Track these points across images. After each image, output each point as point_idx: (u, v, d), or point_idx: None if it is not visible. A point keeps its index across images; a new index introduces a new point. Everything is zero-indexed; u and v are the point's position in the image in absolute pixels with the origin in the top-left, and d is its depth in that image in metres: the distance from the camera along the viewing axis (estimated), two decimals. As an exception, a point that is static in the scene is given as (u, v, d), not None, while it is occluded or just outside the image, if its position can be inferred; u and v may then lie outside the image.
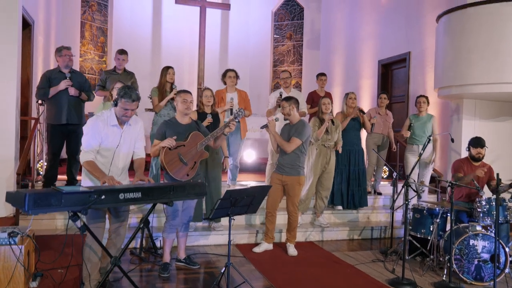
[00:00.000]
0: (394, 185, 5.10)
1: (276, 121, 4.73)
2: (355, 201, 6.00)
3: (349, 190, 5.98)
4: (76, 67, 9.48)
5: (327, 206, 5.82)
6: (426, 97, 6.00)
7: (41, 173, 5.77)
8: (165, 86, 5.60)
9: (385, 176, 7.51)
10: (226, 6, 10.40)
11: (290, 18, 11.30)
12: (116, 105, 3.33)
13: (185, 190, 3.25)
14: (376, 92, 8.61)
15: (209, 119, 4.91)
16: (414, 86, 7.64)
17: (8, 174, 4.77)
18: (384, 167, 7.43)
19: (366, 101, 8.93)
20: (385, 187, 6.84)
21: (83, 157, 3.28)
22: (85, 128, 3.36)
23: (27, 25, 6.06)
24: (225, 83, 5.90)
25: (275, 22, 11.42)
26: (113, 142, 3.37)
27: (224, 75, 5.92)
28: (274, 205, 4.83)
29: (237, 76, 5.90)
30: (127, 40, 10.34)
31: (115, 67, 5.92)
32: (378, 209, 6.30)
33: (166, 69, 5.67)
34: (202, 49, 10.17)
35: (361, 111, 5.95)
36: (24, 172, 5.06)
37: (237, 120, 4.33)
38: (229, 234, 3.62)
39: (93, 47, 9.94)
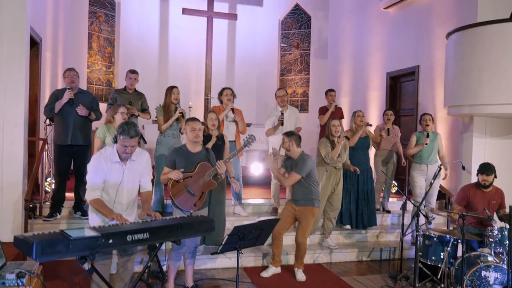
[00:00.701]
0: (404, 208, 5.04)
1: (274, 155, 4.70)
2: (364, 221, 5.95)
3: (358, 210, 5.93)
4: (84, 78, 9.50)
5: (335, 226, 5.78)
6: (431, 115, 5.94)
7: (49, 191, 5.77)
8: (169, 106, 5.59)
9: (394, 191, 7.44)
10: (233, 16, 10.37)
11: (297, 26, 11.24)
12: (116, 142, 3.32)
13: (192, 227, 3.23)
14: (384, 104, 8.54)
15: (214, 138, 4.91)
16: (423, 99, 7.56)
17: (16, 198, 4.78)
18: (393, 181, 7.38)
19: (374, 112, 8.86)
20: (394, 204, 6.78)
21: (89, 195, 3.27)
22: (89, 166, 3.36)
23: (34, 44, 6.05)
24: (221, 102, 5.88)
25: (282, 31, 11.37)
26: (116, 179, 3.37)
27: (220, 93, 5.89)
28: (282, 231, 4.80)
29: (233, 95, 5.88)
30: (134, 50, 10.35)
31: (125, 86, 5.92)
32: (387, 228, 6.24)
33: (171, 89, 5.66)
34: (209, 59, 10.17)
35: (369, 125, 5.89)
36: (32, 190, 5.08)
37: (247, 147, 4.36)
38: (237, 268, 3.59)
39: (101, 57, 9.94)
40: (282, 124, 5.94)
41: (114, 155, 3.37)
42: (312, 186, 4.71)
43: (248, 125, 9.35)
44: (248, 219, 5.86)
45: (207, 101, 10.06)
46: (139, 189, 3.62)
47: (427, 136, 5.82)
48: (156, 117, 5.71)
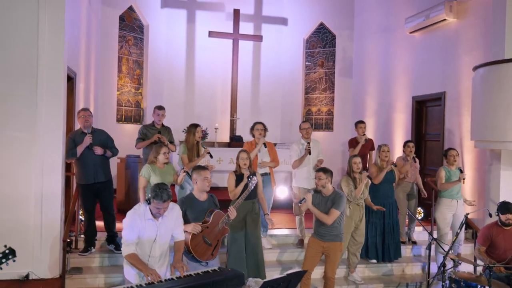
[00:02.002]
0: (430, 249, 5.07)
1: (302, 201, 4.79)
2: (390, 254, 6.00)
3: (384, 243, 5.98)
4: (114, 100, 9.80)
5: (361, 259, 5.85)
6: (456, 150, 5.94)
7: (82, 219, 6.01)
8: (193, 145, 5.78)
9: (420, 218, 7.44)
10: (258, 38, 10.51)
11: (322, 45, 11.30)
12: (149, 202, 3.50)
13: (223, 283, 3.37)
14: (410, 127, 8.54)
15: (245, 179, 5.02)
16: (449, 126, 7.53)
17: (54, 236, 5.00)
18: (419, 208, 7.40)
19: (399, 136, 8.86)
20: (420, 233, 6.79)
21: (124, 251, 3.47)
22: (124, 222, 3.55)
23: (69, 79, 6.31)
24: (253, 136, 6.01)
25: (306, 49, 11.44)
26: (150, 235, 3.56)
27: (252, 128, 6.03)
28: (311, 270, 4.89)
29: (265, 129, 6.01)
30: (162, 71, 10.61)
31: (153, 121, 6.14)
32: (413, 260, 6.27)
33: (194, 127, 5.87)
34: (235, 79, 10.34)
35: (394, 165, 5.96)
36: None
37: (252, 188, 4.56)
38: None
39: (130, 80, 10.22)
40: (309, 153, 6.07)
41: (147, 213, 3.56)
42: (341, 222, 4.81)
43: (274, 145, 9.51)
44: (273, 251, 6.00)
45: (233, 122, 10.22)
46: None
47: (461, 171, 5.82)
48: (178, 153, 5.91)
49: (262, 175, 5.83)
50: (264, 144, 5.95)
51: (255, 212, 5.12)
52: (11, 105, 4.87)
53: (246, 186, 4.90)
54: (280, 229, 6.67)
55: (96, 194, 5.48)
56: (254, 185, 4.62)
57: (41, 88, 4.93)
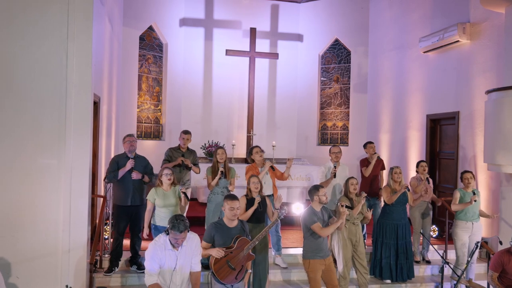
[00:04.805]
0: (442, 272, 5.20)
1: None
2: (403, 274, 6.13)
3: (398, 264, 6.11)
4: (134, 117, 10.11)
5: (375, 279, 6.00)
6: (472, 173, 6.05)
7: (107, 237, 6.27)
8: (216, 166, 6.01)
9: (434, 235, 7.54)
10: (274, 56, 10.72)
11: (337, 61, 11.47)
12: (168, 233, 3.73)
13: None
14: (424, 145, 8.65)
15: (256, 205, 5.22)
16: (463, 145, 7.63)
17: (80, 257, 5.24)
18: (433, 226, 7.52)
19: (414, 153, 8.96)
20: (434, 253, 6.88)
21: (147, 281, 3.72)
22: (146, 253, 3.80)
23: (94, 103, 6.59)
24: (252, 161, 6.22)
25: (322, 65, 11.63)
26: (170, 265, 3.80)
27: (250, 153, 6.28)
28: None
29: (262, 150, 6.26)
30: (180, 88, 10.91)
31: (179, 145, 6.48)
32: (427, 280, 6.38)
33: (216, 149, 6.10)
34: (251, 96, 10.55)
35: (408, 189, 6.10)
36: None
37: (281, 217, 4.76)
38: None
39: (149, 97, 10.53)
40: (334, 176, 6.29)
41: (167, 244, 3.80)
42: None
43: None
44: (288, 270, 6.17)
45: (249, 138, 10.43)
46: None
47: (474, 193, 5.93)
48: (206, 176, 6.16)
49: (266, 196, 6.02)
50: (272, 167, 6.16)
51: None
52: (41, 134, 5.12)
53: (262, 212, 5.12)
54: (295, 248, 6.82)
55: (130, 216, 5.74)
56: (282, 216, 4.82)
57: (69, 117, 5.18)
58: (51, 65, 5.20)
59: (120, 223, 5.71)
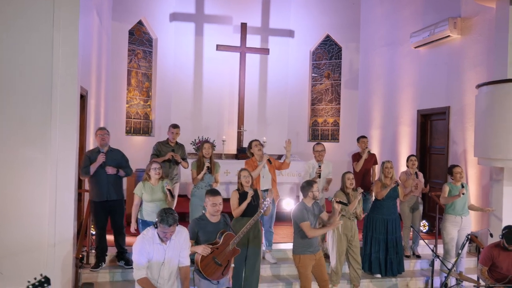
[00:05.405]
0: (432, 265, 5.17)
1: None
2: (393, 269, 6.10)
3: (387, 258, 6.09)
4: (123, 113, 10.00)
5: (365, 274, 5.97)
6: (461, 167, 6.04)
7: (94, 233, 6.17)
8: (202, 161, 5.94)
9: (424, 230, 7.53)
10: (265, 51, 10.67)
11: (328, 57, 11.44)
12: (156, 227, 3.65)
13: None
14: (415, 140, 8.64)
15: (249, 198, 5.16)
16: (454, 140, 7.62)
17: (66, 252, 5.15)
18: (424, 221, 7.50)
19: (404, 149, 8.95)
20: (424, 247, 6.87)
21: (136, 275, 3.64)
22: (134, 247, 3.71)
23: (81, 97, 6.48)
24: (252, 154, 6.14)
25: (313, 61, 11.59)
26: (158, 259, 3.73)
27: (249, 147, 6.20)
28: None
29: (262, 144, 6.21)
30: (170, 84, 10.80)
31: (167, 139, 6.36)
32: (417, 274, 6.37)
33: (202, 144, 6.03)
34: (242, 92, 10.49)
35: (397, 183, 6.07)
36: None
37: (264, 210, 4.73)
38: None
39: (139, 92, 10.42)
40: (319, 177, 6.23)
41: (155, 237, 3.73)
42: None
43: (280, 156, 9.65)
44: (278, 266, 6.13)
45: (240, 133, 10.36)
46: None
47: (462, 186, 5.91)
48: (191, 169, 6.09)
49: (264, 191, 5.98)
50: (269, 160, 6.09)
51: (257, 228, 5.26)
52: (27, 126, 5.02)
53: (254, 206, 5.04)
54: (285, 243, 6.77)
55: (108, 211, 5.64)
56: (265, 208, 4.75)
57: (55, 109, 5.09)
58: (37, 56, 5.10)
59: (99, 218, 5.62)
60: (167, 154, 6.15)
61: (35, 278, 2.85)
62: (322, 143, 6.69)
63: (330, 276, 5.67)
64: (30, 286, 2.81)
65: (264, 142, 9.43)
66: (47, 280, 2.86)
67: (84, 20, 6.13)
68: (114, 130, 9.45)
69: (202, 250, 4.09)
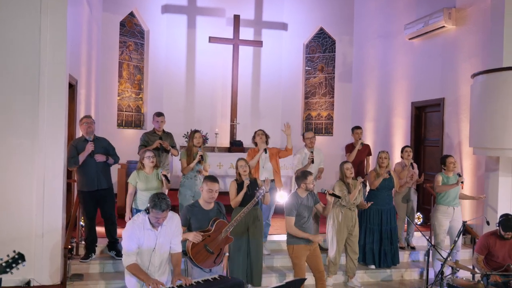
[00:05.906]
0: (428, 255, 5.11)
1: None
2: (387, 260, 6.04)
3: (381, 249, 6.02)
4: (114, 105, 9.86)
5: (359, 265, 5.90)
6: (453, 158, 5.98)
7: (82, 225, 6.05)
8: (192, 150, 5.84)
9: (419, 223, 7.48)
10: (258, 43, 10.57)
11: (321, 50, 11.36)
12: (148, 212, 3.54)
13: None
14: (409, 132, 8.59)
15: (245, 188, 5.07)
16: (448, 132, 7.58)
17: (54, 243, 5.03)
18: (418, 213, 7.45)
19: (399, 141, 8.90)
20: (418, 239, 6.82)
21: (125, 261, 3.51)
22: (123, 233, 3.60)
23: (70, 86, 6.35)
24: (256, 144, 6.06)
25: (306, 54, 11.50)
26: (149, 245, 3.61)
27: (254, 137, 6.10)
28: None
29: (266, 135, 6.08)
30: (162, 76, 10.66)
31: (154, 129, 6.18)
32: (411, 266, 6.31)
33: (193, 133, 5.93)
34: (235, 84, 10.39)
35: (389, 173, 6.01)
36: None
37: (258, 199, 4.61)
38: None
39: (130, 85, 10.27)
40: (312, 162, 6.17)
41: (146, 223, 3.61)
42: None
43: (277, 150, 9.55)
44: (271, 257, 6.04)
45: (233, 126, 10.26)
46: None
47: (459, 175, 5.85)
48: (180, 159, 5.97)
49: (263, 181, 5.88)
50: (265, 150, 6.01)
51: (258, 219, 5.20)
52: (13, 113, 4.89)
53: (251, 196, 4.92)
54: (279, 235, 6.69)
55: (97, 201, 5.51)
56: (261, 197, 4.64)
57: (43, 96, 4.96)
58: (24, 41, 4.98)
59: (88, 209, 5.50)
60: (155, 143, 5.94)
61: (8, 255, 2.68)
62: (312, 131, 6.64)
63: (327, 266, 5.60)
64: (4, 264, 2.64)
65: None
66: (21, 257, 2.69)
67: (74, 8, 5.99)
68: (105, 123, 9.34)
69: (193, 237, 3.98)
